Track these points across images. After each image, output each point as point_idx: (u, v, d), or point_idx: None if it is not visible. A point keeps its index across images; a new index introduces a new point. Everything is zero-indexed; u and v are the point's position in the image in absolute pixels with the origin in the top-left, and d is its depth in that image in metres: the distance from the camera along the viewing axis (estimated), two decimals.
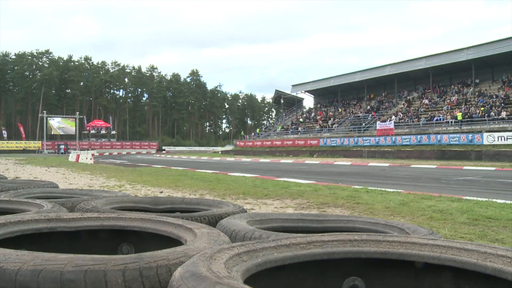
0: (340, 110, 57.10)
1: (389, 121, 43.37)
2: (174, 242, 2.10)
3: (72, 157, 34.46)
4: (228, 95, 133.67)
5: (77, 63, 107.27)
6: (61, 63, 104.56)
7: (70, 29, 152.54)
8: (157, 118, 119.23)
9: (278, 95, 68.12)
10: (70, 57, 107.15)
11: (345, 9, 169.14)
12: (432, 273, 1.72)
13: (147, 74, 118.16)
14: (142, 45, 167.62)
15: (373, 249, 1.75)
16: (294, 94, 66.51)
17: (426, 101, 46.35)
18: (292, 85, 66.68)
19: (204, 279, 1.23)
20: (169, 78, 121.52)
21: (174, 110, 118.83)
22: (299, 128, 56.28)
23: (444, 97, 45.98)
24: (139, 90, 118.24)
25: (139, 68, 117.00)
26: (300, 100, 68.64)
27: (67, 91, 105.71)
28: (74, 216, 2.44)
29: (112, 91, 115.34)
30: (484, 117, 36.54)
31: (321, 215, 3.06)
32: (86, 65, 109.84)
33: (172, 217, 2.57)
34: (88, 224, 2.39)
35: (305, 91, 65.48)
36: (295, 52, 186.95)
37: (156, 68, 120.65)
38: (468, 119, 37.38)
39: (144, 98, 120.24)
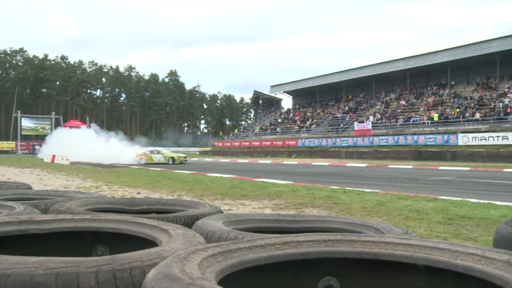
0: (318, 110, 57.44)
1: (367, 121, 43.80)
2: (149, 243, 2.08)
3: (47, 157, 33.71)
4: (206, 96, 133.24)
5: (53, 62, 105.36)
6: (36, 62, 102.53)
7: (46, 27, 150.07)
8: (135, 118, 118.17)
9: (257, 95, 68.19)
10: (46, 56, 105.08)
11: (324, 10, 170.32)
12: (406, 272, 1.74)
13: (125, 74, 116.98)
14: (120, 44, 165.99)
15: (348, 249, 1.76)
16: (273, 94, 66.71)
17: (403, 102, 46.92)
18: (271, 86, 66.82)
19: (177, 280, 1.22)
20: (147, 78, 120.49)
21: (152, 110, 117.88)
22: (278, 129, 56.41)
23: (420, 98, 46.61)
24: (117, 90, 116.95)
25: (117, 68, 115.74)
26: (278, 101, 68.87)
27: (42, 90, 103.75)
28: (47, 218, 2.40)
29: (89, 91, 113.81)
30: (459, 118, 37.16)
31: (297, 216, 3.07)
32: (63, 64, 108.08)
33: (147, 218, 2.55)
34: (62, 226, 2.35)
35: (284, 92, 65.66)
36: (274, 52, 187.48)
37: (134, 68, 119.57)
38: (444, 120, 37.97)
39: (121, 98, 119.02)
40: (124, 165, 28.22)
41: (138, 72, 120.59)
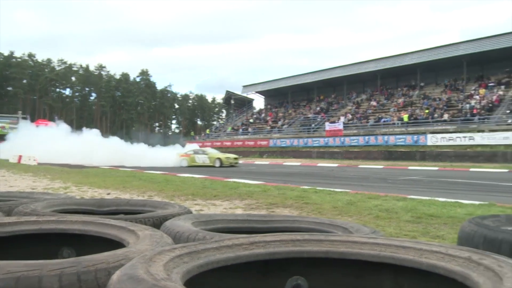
0: (290, 111, 57.73)
1: (338, 122, 44.25)
2: (116, 244, 2.05)
3: (13, 158, 32.42)
4: (178, 95, 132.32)
5: (19, 60, 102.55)
6: (1, 59, 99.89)
7: (12, 24, 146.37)
8: (105, 118, 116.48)
9: (229, 95, 68.12)
10: (12, 53, 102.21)
11: (297, 10, 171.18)
12: (373, 270, 1.76)
13: (95, 73, 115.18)
14: (90, 43, 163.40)
15: (315, 249, 1.77)
16: (245, 95, 66.72)
17: (374, 103, 47.56)
18: (243, 86, 66.81)
19: (142, 281, 1.21)
20: (118, 78, 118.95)
21: (123, 110, 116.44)
22: (249, 129, 56.46)
23: (391, 99, 47.34)
24: (87, 89, 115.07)
25: (87, 66, 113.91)
26: (250, 101, 68.94)
27: (8, 88, 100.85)
28: (10, 220, 2.34)
29: (58, 89, 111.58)
30: (428, 119, 37.91)
31: (267, 216, 3.07)
32: (30, 62, 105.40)
33: (115, 219, 2.51)
34: (26, 228, 2.29)
35: (256, 92, 65.77)
36: (247, 52, 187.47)
37: (105, 67, 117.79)
38: (414, 121, 38.66)
39: (92, 98, 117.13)
40: (163, 167, 24.34)
41: (108, 71, 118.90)
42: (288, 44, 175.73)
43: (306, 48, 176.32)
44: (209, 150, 30.48)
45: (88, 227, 2.26)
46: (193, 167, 26.21)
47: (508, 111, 34.58)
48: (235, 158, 28.70)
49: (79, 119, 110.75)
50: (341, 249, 1.77)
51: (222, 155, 28.50)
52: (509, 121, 33.12)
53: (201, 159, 27.81)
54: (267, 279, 1.79)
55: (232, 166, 27.21)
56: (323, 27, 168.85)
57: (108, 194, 10.33)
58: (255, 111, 68.54)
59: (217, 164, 27.00)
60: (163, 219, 2.72)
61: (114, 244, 2.08)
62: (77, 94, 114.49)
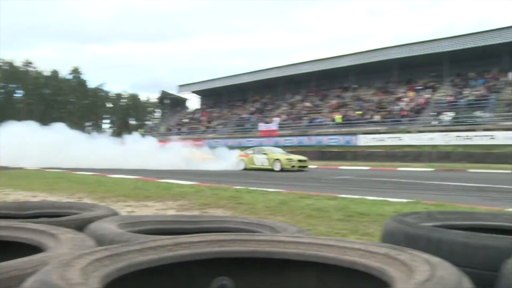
0: (225, 111, 57.77)
1: (273, 122, 44.78)
2: (36, 249, 1.96)
3: None
4: (111, 94, 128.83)
5: None
6: None
7: None
8: (34, 117, 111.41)
9: (163, 95, 67.28)
10: None
11: (233, 11, 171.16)
12: (298, 269, 1.78)
13: (22, 69, 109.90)
14: (15, 37, 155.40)
15: (241, 249, 1.77)
16: (180, 94, 66.08)
17: (308, 104, 48.52)
18: (179, 86, 66.14)
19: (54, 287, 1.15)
20: (47, 75, 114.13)
21: (54, 109, 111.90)
22: (184, 129, 55.97)
23: (325, 100, 48.47)
24: (12, 86, 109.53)
25: (12, 62, 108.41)
26: (185, 101, 68.37)
27: None
28: None
29: None
30: (360, 120, 39.19)
31: (196, 216, 3.05)
32: None
33: (37, 222, 2.39)
34: None
35: (192, 92, 65.33)
36: (183, 52, 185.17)
37: (32, 63, 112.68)
38: (346, 122, 39.82)
39: (18, 95, 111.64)
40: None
41: (36, 68, 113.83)
42: (225, 44, 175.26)
43: (242, 48, 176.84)
44: (268, 149, 24.82)
45: (4, 232, 2.14)
46: (250, 169, 22.64)
47: (433, 114, 36.44)
48: (301, 161, 22.77)
49: (3, 117, 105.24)
50: (266, 249, 1.78)
51: (282, 156, 22.94)
52: (435, 122, 34.93)
53: (259, 160, 23.18)
54: (192, 280, 1.77)
55: (301, 170, 22.06)
56: (260, 28, 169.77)
57: (35, 197, 9.88)
58: (189, 110, 68.01)
59: (277, 167, 22.11)
60: (88, 222, 2.62)
61: (33, 249, 1.98)
62: (1, 91, 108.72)
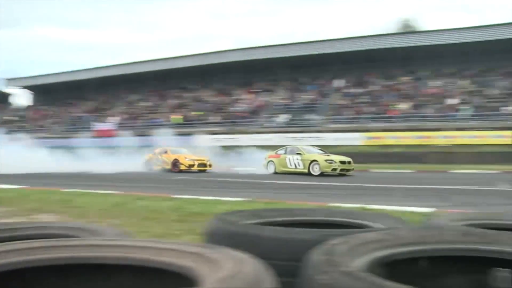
0: (60, 109, 54.25)
1: (109, 122, 43.37)
2: None
3: None
4: None
5: None
6: None
7: None
8: None
9: None
10: None
11: (72, 3, 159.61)
12: (114, 273, 1.77)
13: None
14: None
15: (52, 256, 1.70)
16: (8, 89, 60.25)
17: (148, 104, 47.87)
18: (7, 79, 59.97)
19: None
20: None
21: None
22: (9, 127, 51.22)
23: (165, 100, 48.26)
24: None
25: None
26: (11, 96, 62.39)
27: None
28: None
29: None
30: (200, 120, 39.87)
31: (12, 224, 2.83)
32: None
33: None
34: None
35: (23, 87, 59.86)
36: (12, 42, 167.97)
37: None
38: (186, 122, 40.16)
39: None
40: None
41: None
42: (61, 38, 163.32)
43: (80, 43, 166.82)
44: (304, 148, 20.38)
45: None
46: (283, 173, 19.10)
47: (270, 115, 38.68)
48: (344, 163, 18.48)
49: None
50: (82, 254, 1.73)
51: (320, 156, 18.81)
52: (273, 124, 37.16)
53: (293, 161, 19.16)
54: None
55: (345, 174, 18.33)
56: (100, 23, 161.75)
57: None
58: (15, 107, 62.14)
59: (316, 171, 18.20)
60: None
61: None
62: None
